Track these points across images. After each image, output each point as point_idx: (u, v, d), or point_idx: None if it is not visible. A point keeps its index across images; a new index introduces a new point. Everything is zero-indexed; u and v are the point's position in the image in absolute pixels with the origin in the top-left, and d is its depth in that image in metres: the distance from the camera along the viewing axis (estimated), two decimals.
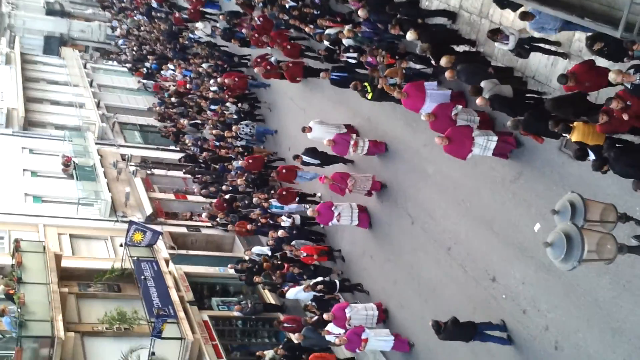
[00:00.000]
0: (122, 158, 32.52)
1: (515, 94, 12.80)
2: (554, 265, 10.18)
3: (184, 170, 29.86)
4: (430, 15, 16.15)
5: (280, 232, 20.43)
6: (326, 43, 18.95)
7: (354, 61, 17.98)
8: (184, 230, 27.72)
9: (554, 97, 12.18)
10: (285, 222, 20.73)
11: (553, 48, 12.65)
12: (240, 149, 25.79)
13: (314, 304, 18.68)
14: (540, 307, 13.24)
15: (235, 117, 26.43)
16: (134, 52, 43.68)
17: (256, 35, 23.57)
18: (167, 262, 23.80)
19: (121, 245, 23.90)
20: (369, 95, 16.59)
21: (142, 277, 21.90)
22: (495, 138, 13.45)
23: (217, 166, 26.59)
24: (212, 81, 28.47)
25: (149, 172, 31.76)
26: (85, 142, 33.05)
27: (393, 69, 15.55)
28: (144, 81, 40.92)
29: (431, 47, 14.32)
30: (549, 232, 9.69)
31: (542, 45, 12.67)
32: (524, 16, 11.51)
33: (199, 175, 28.12)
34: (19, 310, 19.37)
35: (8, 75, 41.32)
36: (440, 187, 16.46)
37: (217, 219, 25.11)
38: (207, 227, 26.93)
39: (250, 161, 23.36)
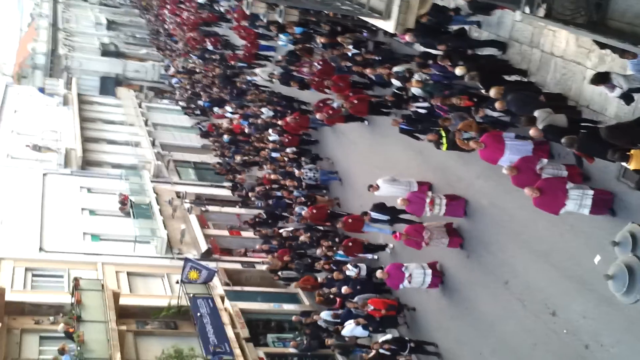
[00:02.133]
0: (177, 195, 32.94)
1: (570, 123, 12.56)
2: (616, 298, 9.92)
3: (243, 217, 29.17)
4: (480, 45, 16.06)
5: (344, 289, 19.34)
6: (395, 82, 18.19)
7: (423, 111, 17.18)
8: (238, 266, 27.85)
9: (610, 125, 11.91)
10: (351, 271, 19.72)
11: None
12: (302, 198, 24.42)
13: None
14: (602, 341, 12.85)
15: (295, 170, 25.28)
16: (187, 90, 44.38)
17: (317, 79, 22.98)
18: (222, 298, 23.88)
19: (177, 282, 24.12)
20: (444, 147, 15.81)
21: (198, 314, 22.03)
22: (591, 192, 12.34)
23: (270, 201, 26.65)
24: (270, 130, 27.62)
25: (203, 209, 32.08)
26: (141, 180, 33.62)
27: (467, 122, 14.61)
28: (200, 125, 40.74)
29: (479, 76, 14.22)
30: (609, 264, 9.47)
31: None
32: (624, 53, 10.77)
33: (260, 229, 27.21)
34: (79, 348, 19.65)
35: (66, 116, 42.42)
36: (495, 220, 16.20)
37: (280, 274, 24.10)
38: (261, 263, 26.97)
39: (314, 211, 22.23)
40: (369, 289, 19.59)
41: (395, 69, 17.95)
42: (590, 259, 13.11)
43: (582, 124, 12.80)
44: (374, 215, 18.56)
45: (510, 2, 13.49)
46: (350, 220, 19.80)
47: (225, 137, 33.72)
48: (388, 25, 13.54)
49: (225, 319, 22.39)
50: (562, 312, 13.97)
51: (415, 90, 16.83)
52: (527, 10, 11.90)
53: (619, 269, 9.72)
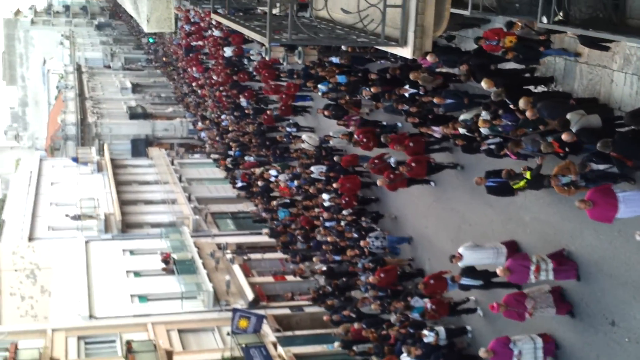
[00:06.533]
0: (219, 247, 33.07)
1: (604, 124, 12.33)
2: None
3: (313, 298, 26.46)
4: (502, 61, 15.92)
5: None
6: (462, 131, 16.53)
7: (494, 147, 15.40)
8: (287, 311, 27.73)
9: (632, 110, 11.73)
10: (428, 337, 17.74)
11: None
12: (370, 264, 21.89)
13: None
14: None
15: (355, 235, 23.13)
16: (216, 140, 44.47)
17: (364, 140, 21.30)
18: (275, 345, 23.78)
19: (228, 333, 24.08)
20: (521, 183, 14.10)
21: None
22: None
23: (312, 243, 26.48)
24: (325, 195, 24.54)
25: (245, 257, 32.13)
26: (182, 237, 33.79)
27: (563, 164, 12.85)
28: (238, 186, 37.98)
29: (506, 91, 14.05)
30: None
31: None
32: None
33: (327, 300, 24.97)
34: None
35: (101, 183, 43.03)
36: (540, 234, 15.90)
37: (355, 348, 21.90)
38: (310, 305, 26.81)
39: (382, 275, 20.04)
40: (453, 359, 17.81)
41: (462, 117, 16.31)
42: None
43: (617, 122, 12.57)
44: (465, 281, 16.35)
45: (528, 14, 13.45)
46: (432, 281, 17.55)
47: (260, 183, 31.73)
48: (405, 52, 13.53)
49: None
50: (621, 321, 13.60)
51: (484, 130, 15.34)
52: (544, 20, 11.85)
53: None
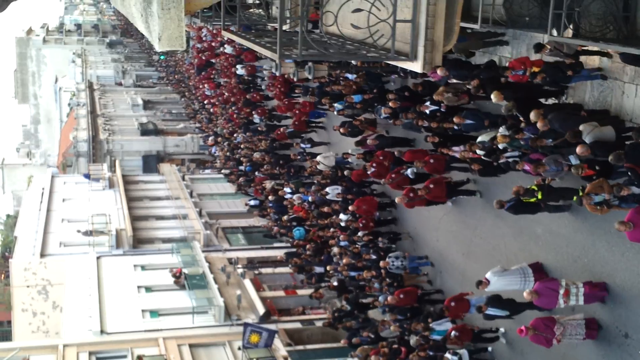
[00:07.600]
0: (230, 262, 33.10)
1: (618, 136, 12.31)
2: None
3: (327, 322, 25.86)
4: None
5: None
6: (480, 153, 16.14)
7: (514, 159, 15.01)
8: (298, 325, 27.71)
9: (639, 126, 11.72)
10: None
11: None
12: (388, 279, 21.70)
13: None
14: None
15: (374, 257, 22.58)
16: (227, 156, 44.53)
17: (382, 157, 20.96)
18: (286, 359, 23.73)
19: (239, 348, 24.06)
20: (533, 199, 13.91)
21: None
22: None
23: (322, 257, 26.44)
24: (342, 215, 23.81)
25: (256, 272, 32.15)
26: (193, 252, 33.85)
27: (596, 183, 12.36)
28: (251, 204, 37.04)
29: (516, 105, 14.07)
30: None
31: None
32: None
33: (344, 321, 24.42)
34: None
35: (113, 199, 43.20)
36: (552, 247, 15.87)
37: None
38: (321, 319, 26.76)
39: (402, 296, 19.79)
40: None
41: (480, 138, 15.96)
42: None
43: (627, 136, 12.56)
44: (491, 311, 15.80)
45: (538, 28, 13.51)
46: (453, 304, 17.11)
47: (271, 197, 31.63)
48: (415, 66, 13.59)
49: None
50: (635, 333, 13.53)
51: (502, 146, 15.08)
52: (554, 33, 11.90)
53: None
